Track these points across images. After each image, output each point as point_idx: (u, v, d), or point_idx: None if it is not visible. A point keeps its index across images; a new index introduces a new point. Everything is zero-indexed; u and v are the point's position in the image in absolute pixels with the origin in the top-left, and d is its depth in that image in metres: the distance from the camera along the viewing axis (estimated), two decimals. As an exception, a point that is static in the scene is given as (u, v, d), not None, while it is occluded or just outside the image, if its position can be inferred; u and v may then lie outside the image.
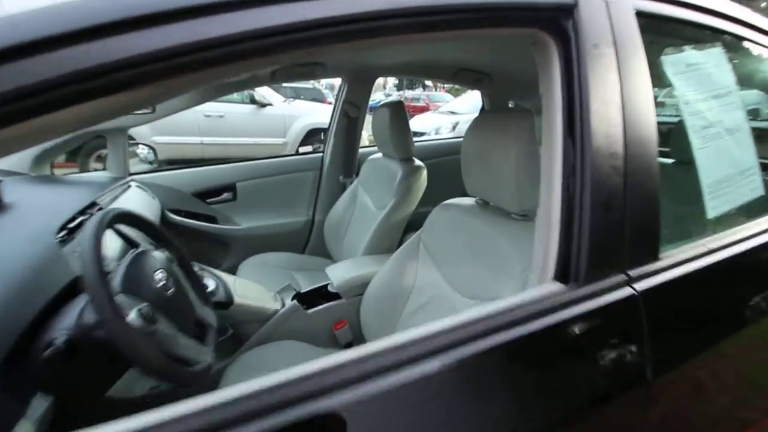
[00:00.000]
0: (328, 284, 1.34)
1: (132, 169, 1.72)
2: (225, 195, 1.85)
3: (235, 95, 5.15)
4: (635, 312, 0.57)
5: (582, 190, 0.55)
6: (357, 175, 1.87)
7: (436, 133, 6.12)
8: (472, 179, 1.00)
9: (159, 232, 0.89)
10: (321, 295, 1.34)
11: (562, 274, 0.56)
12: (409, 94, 14.98)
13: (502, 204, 0.93)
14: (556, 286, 0.55)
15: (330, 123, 1.99)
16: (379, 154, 1.74)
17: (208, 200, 1.82)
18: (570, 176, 0.56)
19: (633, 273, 0.58)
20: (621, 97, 0.58)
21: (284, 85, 7.82)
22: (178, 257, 0.91)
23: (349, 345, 1.30)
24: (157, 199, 1.68)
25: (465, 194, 1.07)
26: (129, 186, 1.55)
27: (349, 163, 1.97)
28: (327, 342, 1.26)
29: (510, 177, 0.85)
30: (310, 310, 1.26)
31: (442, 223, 1.10)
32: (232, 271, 1.68)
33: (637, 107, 0.59)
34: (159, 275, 0.75)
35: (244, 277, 1.60)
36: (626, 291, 0.57)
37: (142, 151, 1.85)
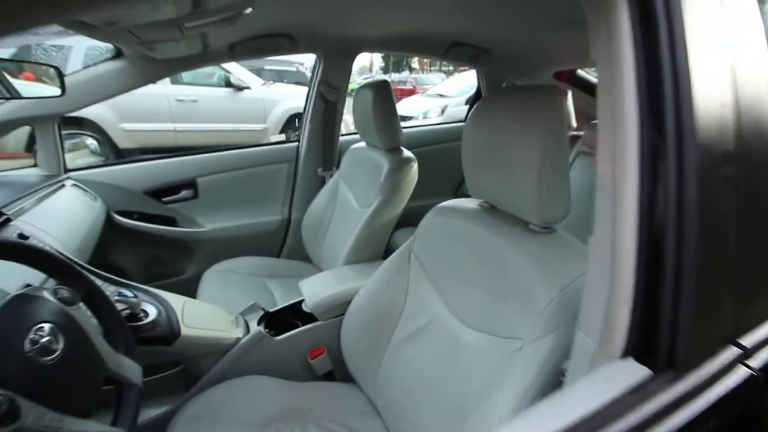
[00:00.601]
0: (302, 300, 1.12)
1: (82, 163, 1.46)
2: (184, 192, 1.59)
3: (211, 78, 4.81)
4: (757, 402, 0.36)
5: (679, 212, 0.33)
6: (338, 167, 1.63)
7: (424, 118, 5.86)
8: (476, 177, 0.78)
9: (56, 262, 0.65)
10: (294, 313, 1.12)
11: (641, 347, 0.35)
12: (395, 77, 14.59)
13: (516, 211, 0.72)
14: (635, 370, 0.34)
15: (305, 108, 1.73)
16: (363, 143, 1.51)
17: (163, 199, 1.56)
18: (654, 190, 0.35)
19: (746, 342, 0.37)
20: (735, 65, 0.36)
21: (266, 67, 7.45)
22: (88, 293, 0.68)
23: (328, 375, 1.09)
24: (100, 199, 1.42)
25: (460, 187, 0.85)
26: (63, 185, 1.29)
27: (328, 153, 1.73)
28: (301, 373, 1.05)
29: (530, 177, 0.64)
30: (280, 337, 1.04)
31: (437, 231, 0.88)
32: (197, 280, 1.45)
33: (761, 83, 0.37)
34: (39, 333, 0.52)
35: (209, 289, 1.38)
36: (741, 372, 0.36)
37: (91, 142, 1.58)
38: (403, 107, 6.36)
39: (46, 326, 0.54)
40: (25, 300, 0.55)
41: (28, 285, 0.64)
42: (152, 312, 0.90)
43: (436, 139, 1.97)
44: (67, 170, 1.40)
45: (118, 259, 1.53)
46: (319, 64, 1.62)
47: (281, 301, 1.40)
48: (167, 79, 4.49)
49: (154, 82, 1.31)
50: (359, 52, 1.61)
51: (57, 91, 0.99)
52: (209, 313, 1.03)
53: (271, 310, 1.14)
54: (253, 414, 0.87)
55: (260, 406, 0.90)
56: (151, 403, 0.93)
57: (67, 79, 1.21)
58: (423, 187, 1.37)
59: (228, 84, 4.71)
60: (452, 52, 1.60)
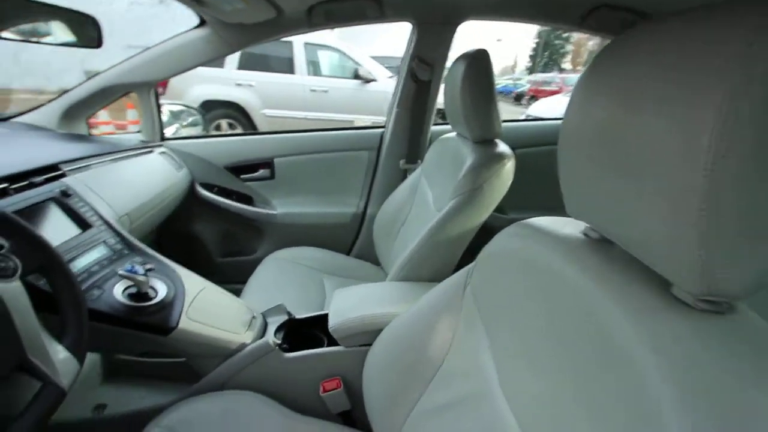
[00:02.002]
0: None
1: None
2: (261, 172, 1.54)
3: (343, 70, 5.00)
4: None
5: None
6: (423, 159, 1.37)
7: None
8: (578, 185, 0.45)
9: (9, 224, 0.56)
10: (320, 326, 0.92)
11: None
12: (539, 77, 13.33)
13: (652, 257, 0.36)
14: None
15: (395, 88, 1.51)
16: (454, 133, 1.22)
17: (242, 176, 1.54)
18: None
19: None
20: None
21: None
22: (42, 265, 0.58)
23: (345, 417, 0.86)
24: (186, 170, 1.46)
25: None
26: (151, 151, 1.34)
27: (413, 142, 1.47)
28: (310, 405, 0.84)
29: (692, 198, 0.29)
30: (290, 355, 0.84)
31: (508, 260, 0.56)
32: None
33: None
34: None
35: (262, 274, 1.28)
36: None
37: (192, 115, 1.66)
38: (536, 108, 5.65)
39: None
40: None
41: None
42: (161, 294, 0.80)
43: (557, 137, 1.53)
44: (163, 138, 1.47)
45: (198, 229, 1.56)
46: (412, 36, 1.37)
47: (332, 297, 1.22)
48: (304, 71, 4.85)
49: (236, 51, 1.26)
50: (462, 20, 1.30)
51: (93, 42, 0.98)
52: (223, 307, 0.89)
53: (297, 316, 0.96)
54: None
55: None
56: (141, 391, 0.85)
57: (154, 50, 1.24)
58: (526, 197, 1.02)
59: (356, 76, 4.83)
60: (594, 18, 1.17)
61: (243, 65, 4.72)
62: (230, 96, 4.65)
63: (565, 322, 0.43)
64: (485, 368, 0.54)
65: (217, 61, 1.45)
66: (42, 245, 0.58)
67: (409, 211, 1.32)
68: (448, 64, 1.21)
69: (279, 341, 0.87)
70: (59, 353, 0.55)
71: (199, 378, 0.85)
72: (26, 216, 0.77)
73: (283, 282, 1.26)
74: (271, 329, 0.91)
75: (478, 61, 0.96)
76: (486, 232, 1.02)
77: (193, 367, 0.86)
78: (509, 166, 0.98)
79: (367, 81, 4.83)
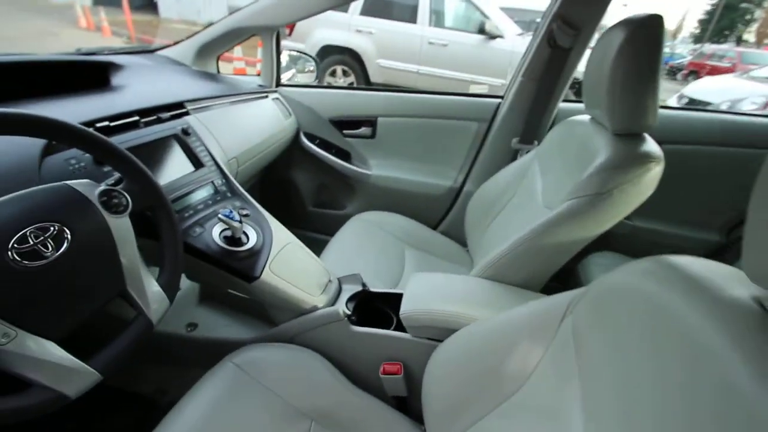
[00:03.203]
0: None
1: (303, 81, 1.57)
2: (363, 129, 1.51)
3: (465, 22, 4.62)
4: None
5: None
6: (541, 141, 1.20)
7: (731, 108, 4.08)
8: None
9: (128, 164, 0.60)
10: (392, 303, 0.89)
11: None
12: (708, 48, 10.85)
13: None
14: None
15: (525, 54, 1.30)
16: (586, 117, 1.02)
17: (344, 131, 1.52)
18: None
19: None
20: None
21: (537, 20, 6.69)
22: (153, 206, 0.62)
23: (400, 403, 0.84)
24: (294, 117, 1.49)
25: (734, 229, 0.36)
26: (265, 96, 1.39)
27: (533, 119, 1.28)
28: (368, 380, 0.83)
29: None
30: (357, 329, 0.83)
31: (634, 307, 0.43)
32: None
33: None
34: (37, 232, 0.47)
35: (345, 235, 1.29)
36: None
37: (308, 62, 1.66)
38: (694, 88, 4.60)
39: (55, 227, 0.48)
40: (57, 192, 0.51)
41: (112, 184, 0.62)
42: (251, 241, 0.84)
43: (723, 135, 1.19)
44: (279, 84, 1.51)
45: (296, 177, 1.62)
46: (559, -8, 1.13)
47: (407, 280, 1.19)
48: (426, 20, 4.59)
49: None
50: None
51: None
52: (303, 266, 0.91)
53: (372, 289, 0.94)
54: (296, 397, 0.73)
55: (307, 394, 0.75)
56: (227, 319, 0.92)
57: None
58: (662, 203, 0.82)
59: (481, 30, 4.42)
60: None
61: (366, 11, 4.65)
62: (349, 42, 4.66)
63: (703, 416, 0.31)
64: (570, 418, 0.45)
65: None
66: (154, 187, 0.62)
67: (511, 197, 1.18)
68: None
69: (349, 312, 0.86)
70: (154, 289, 0.60)
71: (274, 323, 0.90)
72: (150, 149, 0.84)
73: (365, 245, 1.26)
74: (344, 297, 0.91)
75: (647, 32, 0.74)
76: (598, 237, 0.86)
77: (269, 312, 0.91)
78: (655, 172, 0.77)
79: (493, 37, 4.40)
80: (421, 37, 4.62)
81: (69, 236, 0.49)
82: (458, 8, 4.74)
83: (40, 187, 0.50)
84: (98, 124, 0.76)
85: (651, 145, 0.80)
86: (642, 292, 0.43)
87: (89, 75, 0.96)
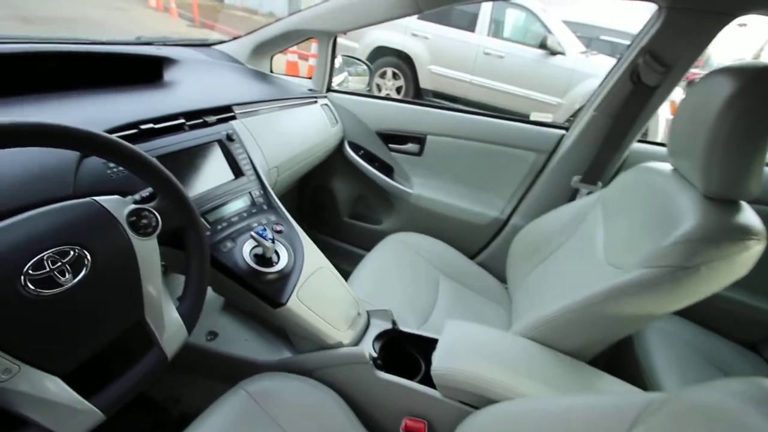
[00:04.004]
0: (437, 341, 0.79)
1: (355, 87, 1.52)
2: (410, 145, 1.43)
3: (528, 36, 4.43)
4: None
5: None
6: (608, 184, 1.08)
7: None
8: None
9: (163, 180, 0.55)
10: (423, 349, 0.81)
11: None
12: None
13: None
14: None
15: (599, 87, 1.17)
16: (667, 165, 0.89)
17: (390, 145, 1.45)
18: None
19: None
20: None
21: (603, 37, 6.32)
22: (184, 226, 0.57)
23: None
24: (341, 125, 1.44)
25: None
26: (314, 101, 1.34)
27: (601, 158, 1.15)
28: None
29: None
30: (382, 375, 0.76)
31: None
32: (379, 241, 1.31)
33: None
34: (54, 257, 0.43)
35: (377, 255, 1.22)
36: None
37: (361, 67, 1.61)
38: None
39: (75, 250, 0.44)
40: (83, 210, 0.47)
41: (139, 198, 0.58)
42: (282, 262, 0.79)
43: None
44: (329, 89, 1.46)
45: (335, 185, 1.57)
46: (652, 22, 1.00)
47: (441, 314, 1.11)
48: (485, 30, 4.44)
49: (422, 11, 1.10)
50: (746, 11, 0.88)
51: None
52: (332, 295, 0.84)
53: (402, 328, 0.87)
54: None
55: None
56: (248, 333, 0.88)
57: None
58: (750, 273, 0.69)
59: (542, 45, 4.21)
60: None
61: (424, 15, 4.56)
62: (403, 46, 4.59)
63: None
64: None
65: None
66: (187, 206, 0.57)
67: (564, 241, 1.07)
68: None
69: (375, 354, 0.79)
70: (172, 316, 0.55)
71: (295, 348, 0.85)
72: (192, 154, 0.80)
73: (398, 269, 1.18)
74: (371, 334, 0.84)
75: (757, 85, 0.63)
76: None
77: (290, 338, 0.86)
78: (754, 251, 0.65)
79: (554, 53, 4.19)
80: (477, 47, 4.48)
81: (89, 261, 0.45)
82: (518, 19, 4.56)
83: (66, 203, 0.46)
84: (143, 126, 0.73)
85: (751, 218, 0.67)
86: (737, 423, 0.33)
87: (144, 69, 0.95)
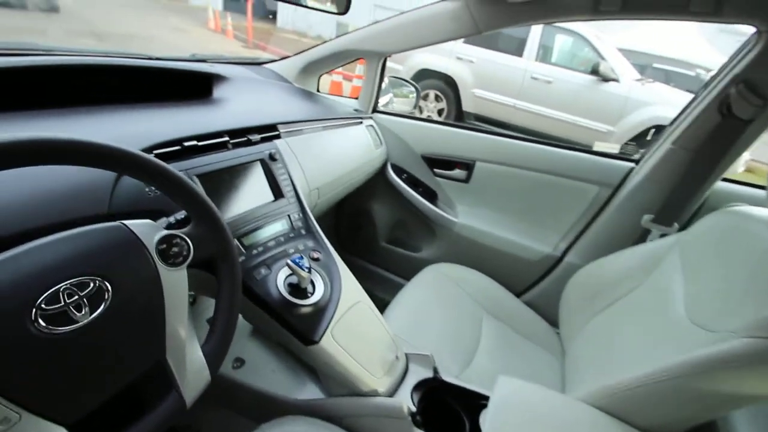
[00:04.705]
0: (488, 399, 0.69)
1: (400, 109, 1.47)
2: (457, 171, 1.35)
3: (578, 61, 4.28)
4: None
5: None
6: (685, 227, 0.95)
7: None
8: None
9: (198, 203, 0.50)
10: (467, 403, 0.71)
11: None
12: None
13: None
14: None
15: (678, 117, 1.05)
16: (765, 211, 0.76)
17: (435, 169, 1.38)
18: None
19: None
20: None
21: (656, 65, 6.05)
22: (217, 255, 0.52)
23: None
24: (385, 147, 1.38)
25: None
26: (360, 122, 1.30)
27: (678, 197, 1.02)
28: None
29: None
30: (422, 434, 0.66)
31: None
32: (424, 265, 1.23)
33: None
34: (71, 290, 0.38)
35: (416, 288, 1.14)
36: None
37: (408, 89, 1.56)
38: None
39: (95, 282, 0.39)
40: (110, 236, 0.42)
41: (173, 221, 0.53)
42: (317, 294, 0.72)
43: None
44: (375, 110, 1.42)
45: (374, 208, 1.51)
46: (749, 47, 0.88)
47: (484, 359, 1.00)
48: (534, 55, 4.34)
49: (481, 33, 1.04)
50: None
51: (342, 8, 0.90)
52: (370, 335, 0.76)
53: (445, 377, 0.77)
54: None
55: None
56: (275, 363, 0.81)
57: (395, 20, 1.14)
58: None
59: (594, 71, 4.05)
60: None
61: (470, 40, 4.53)
62: (447, 69, 4.57)
63: None
64: None
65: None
66: (222, 234, 0.52)
67: (633, 288, 0.94)
68: None
69: (414, 408, 0.70)
70: (195, 356, 0.49)
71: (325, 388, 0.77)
72: (232, 174, 0.77)
73: (438, 304, 1.09)
74: (410, 382, 0.75)
75: None
76: None
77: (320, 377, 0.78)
78: None
79: (606, 80, 4.01)
80: (524, 71, 4.38)
81: (109, 294, 0.40)
82: (568, 45, 4.43)
83: (92, 228, 0.42)
84: (186, 143, 0.70)
85: None
86: None
87: (194, 85, 0.94)
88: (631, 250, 0.99)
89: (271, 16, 11.68)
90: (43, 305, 0.36)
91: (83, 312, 0.38)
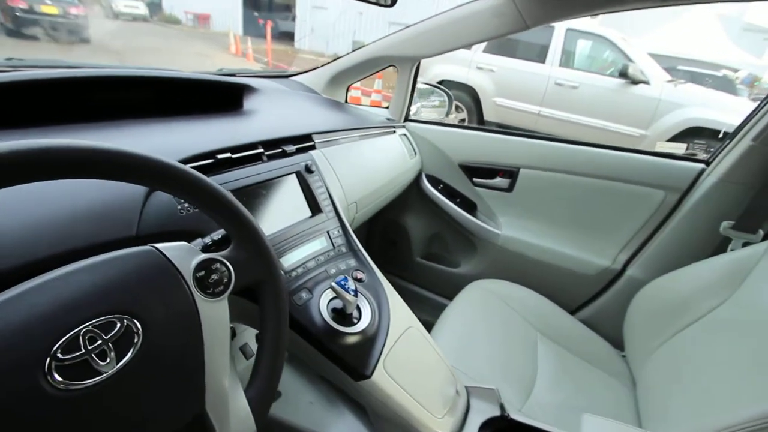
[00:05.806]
0: None
1: (429, 117, 1.40)
2: (499, 180, 1.25)
3: (604, 65, 4.15)
4: None
5: None
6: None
7: None
8: None
9: (243, 226, 0.43)
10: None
11: None
12: None
13: None
14: None
15: (755, 111, 0.93)
16: None
17: (474, 179, 1.29)
18: None
19: None
20: None
21: (680, 67, 5.87)
22: (261, 281, 0.44)
23: None
24: (419, 157, 1.31)
25: None
26: (393, 131, 1.23)
27: (763, 201, 0.90)
28: None
29: None
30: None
31: None
32: (465, 282, 1.13)
33: None
34: (93, 333, 0.31)
35: (465, 307, 1.04)
36: None
37: (440, 96, 1.49)
38: None
39: (123, 322, 0.32)
40: (140, 263, 0.35)
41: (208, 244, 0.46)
42: (364, 320, 0.64)
43: None
44: (407, 119, 1.35)
45: (408, 222, 1.43)
46: None
47: (545, 389, 0.88)
48: (557, 60, 4.23)
49: (529, 28, 0.96)
50: None
51: (389, 0, 0.84)
52: (426, 366, 0.67)
53: (514, 416, 0.67)
54: None
55: None
56: (313, 395, 0.73)
57: (430, 22, 1.07)
58: None
59: (623, 74, 3.90)
60: None
61: (490, 49, 4.47)
62: (468, 79, 4.50)
63: None
64: None
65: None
66: (268, 259, 0.44)
67: (716, 305, 0.82)
68: None
69: None
70: (239, 405, 0.41)
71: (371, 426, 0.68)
72: (269, 188, 0.70)
73: (487, 327, 0.99)
74: (475, 422, 0.65)
75: None
76: None
77: (369, 417, 0.69)
78: None
79: (636, 82, 3.85)
80: (548, 77, 4.26)
81: (140, 336, 0.33)
82: (593, 49, 4.30)
83: (119, 254, 0.35)
84: (220, 156, 0.63)
85: None
86: None
87: (225, 96, 0.89)
88: (708, 262, 0.87)
89: (287, 37, 12.02)
90: (59, 354, 0.29)
91: (108, 360, 0.31)
